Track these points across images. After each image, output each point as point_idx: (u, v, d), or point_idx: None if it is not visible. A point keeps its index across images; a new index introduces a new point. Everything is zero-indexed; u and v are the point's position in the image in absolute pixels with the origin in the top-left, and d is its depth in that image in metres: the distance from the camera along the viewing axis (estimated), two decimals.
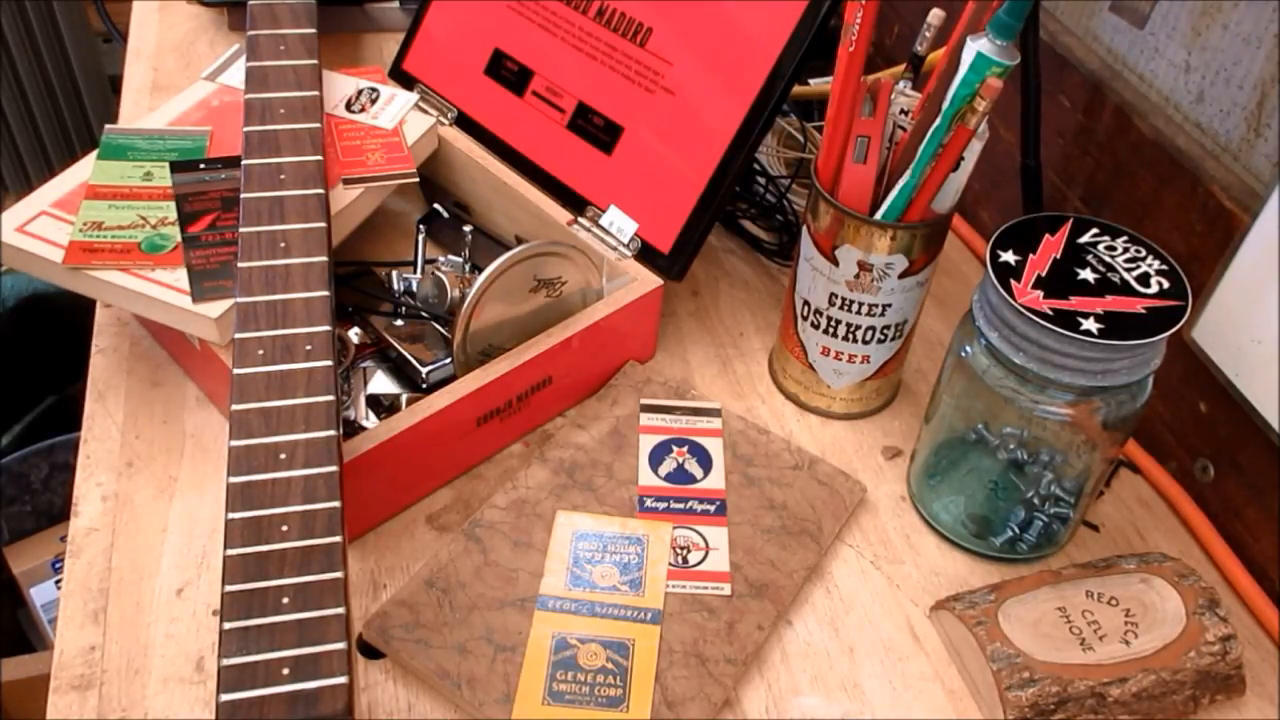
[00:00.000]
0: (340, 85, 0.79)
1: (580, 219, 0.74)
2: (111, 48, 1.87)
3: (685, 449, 0.66)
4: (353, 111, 0.77)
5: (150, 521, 0.62)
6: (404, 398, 0.67)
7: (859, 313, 0.66)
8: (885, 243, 0.62)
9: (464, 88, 0.82)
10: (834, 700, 0.57)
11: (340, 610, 0.45)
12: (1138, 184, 0.69)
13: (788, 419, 0.72)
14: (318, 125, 0.67)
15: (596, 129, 0.75)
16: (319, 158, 0.64)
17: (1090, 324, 0.53)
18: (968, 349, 0.59)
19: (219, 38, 1.00)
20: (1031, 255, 0.56)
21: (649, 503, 0.63)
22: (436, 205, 0.80)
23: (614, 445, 0.66)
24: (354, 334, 0.70)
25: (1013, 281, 0.55)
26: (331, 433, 0.50)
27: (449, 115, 0.82)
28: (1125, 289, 0.55)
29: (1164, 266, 0.56)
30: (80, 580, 0.59)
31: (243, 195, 0.61)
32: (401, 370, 0.69)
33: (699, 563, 0.60)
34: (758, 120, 0.69)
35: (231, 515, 0.46)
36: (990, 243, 0.57)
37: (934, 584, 0.63)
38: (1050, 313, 0.53)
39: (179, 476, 0.64)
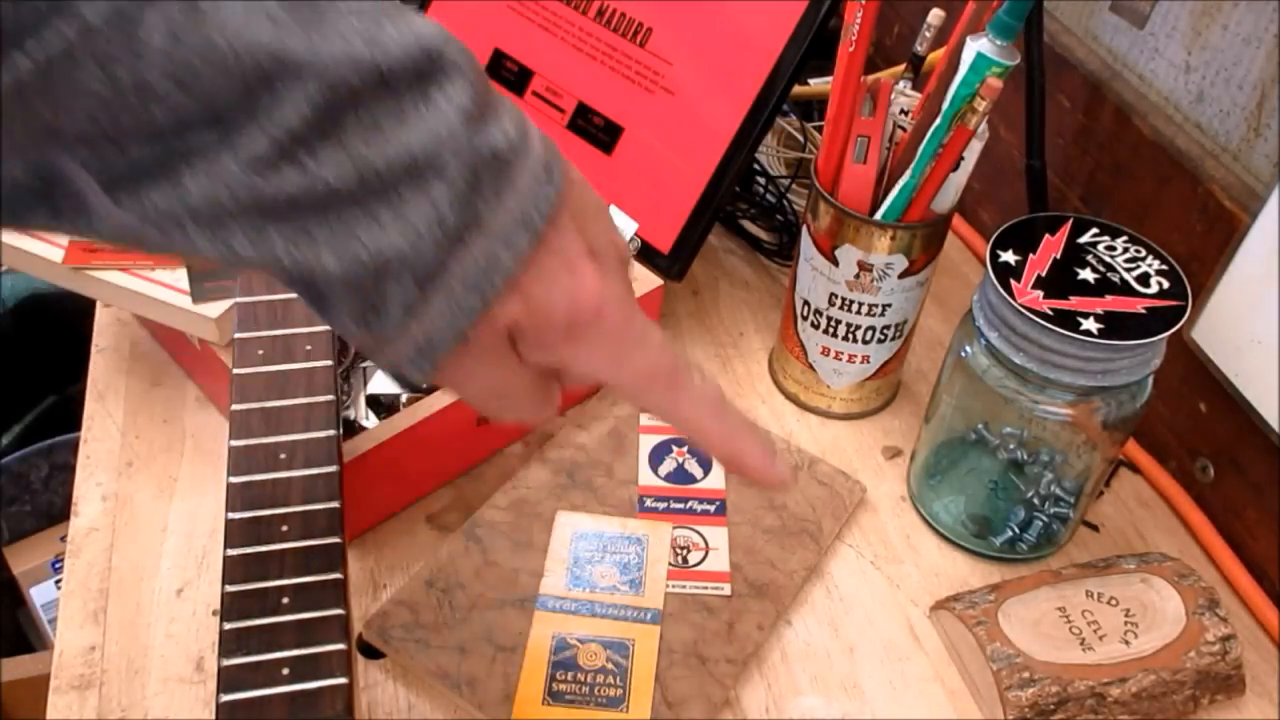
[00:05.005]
0: None
1: None
2: None
3: (685, 449, 0.66)
4: None
5: (150, 521, 0.62)
6: (404, 398, 0.67)
7: (859, 313, 0.66)
8: (885, 243, 0.62)
9: None
10: (834, 700, 0.57)
11: (340, 610, 0.44)
12: (1138, 184, 0.69)
13: (788, 419, 0.72)
14: None
15: (596, 129, 0.75)
16: None
17: (1090, 324, 0.53)
18: (968, 349, 0.59)
19: None
20: (1031, 255, 0.56)
21: (649, 503, 0.63)
22: None
23: (614, 445, 0.66)
24: None
25: (1013, 281, 0.55)
26: (331, 433, 0.50)
27: None
28: (1125, 289, 0.55)
29: (1164, 266, 0.56)
30: (80, 580, 0.59)
31: None
32: None
33: (699, 563, 0.60)
34: (758, 120, 0.69)
35: (231, 515, 0.46)
36: (990, 243, 0.57)
37: (934, 584, 0.63)
38: (1050, 313, 0.53)
39: (179, 476, 0.64)
